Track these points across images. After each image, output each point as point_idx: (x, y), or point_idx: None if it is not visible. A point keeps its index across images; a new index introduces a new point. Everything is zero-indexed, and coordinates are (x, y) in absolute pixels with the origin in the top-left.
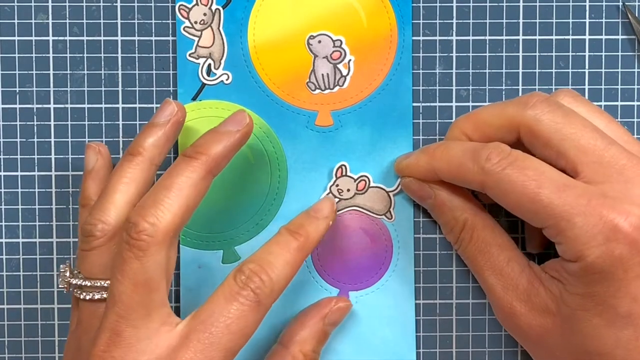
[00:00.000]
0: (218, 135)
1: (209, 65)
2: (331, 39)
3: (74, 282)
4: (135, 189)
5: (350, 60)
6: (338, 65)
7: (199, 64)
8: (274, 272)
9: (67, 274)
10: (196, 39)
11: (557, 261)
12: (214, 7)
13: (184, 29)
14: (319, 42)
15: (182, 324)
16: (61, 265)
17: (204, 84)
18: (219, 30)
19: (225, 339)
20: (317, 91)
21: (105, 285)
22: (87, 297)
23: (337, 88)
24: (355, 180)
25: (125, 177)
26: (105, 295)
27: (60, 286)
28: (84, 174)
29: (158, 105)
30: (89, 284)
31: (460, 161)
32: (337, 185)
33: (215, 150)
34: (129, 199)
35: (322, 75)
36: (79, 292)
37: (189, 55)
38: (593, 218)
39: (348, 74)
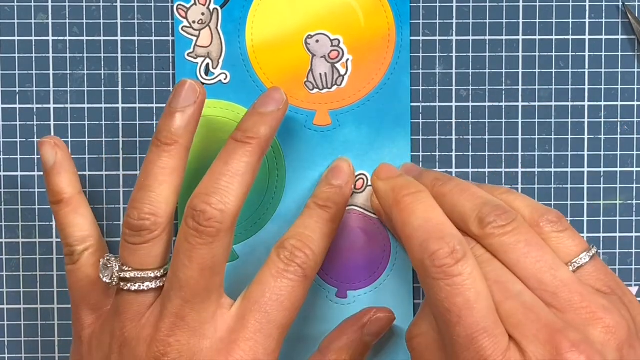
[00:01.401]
0: (264, 117)
1: (207, 64)
2: (329, 38)
3: (123, 275)
4: (179, 179)
5: (348, 59)
6: (336, 65)
7: (197, 63)
8: (314, 244)
9: (116, 267)
10: (194, 38)
11: None
12: (212, 6)
13: (182, 28)
14: (317, 41)
15: (236, 306)
16: (106, 258)
17: (202, 84)
18: (217, 30)
19: (280, 315)
20: (315, 90)
21: (158, 275)
22: (134, 289)
23: (335, 87)
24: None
25: (167, 167)
26: (152, 285)
27: (106, 280)
28: (46, 171)
29: (158, 105)
30: (139, 275)
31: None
32: None
33: (265, 132)
34: (175, 190)
35: (320, 74)
36: (124, 284)
37: (187, 54)
38: None
39: (346, 73)
